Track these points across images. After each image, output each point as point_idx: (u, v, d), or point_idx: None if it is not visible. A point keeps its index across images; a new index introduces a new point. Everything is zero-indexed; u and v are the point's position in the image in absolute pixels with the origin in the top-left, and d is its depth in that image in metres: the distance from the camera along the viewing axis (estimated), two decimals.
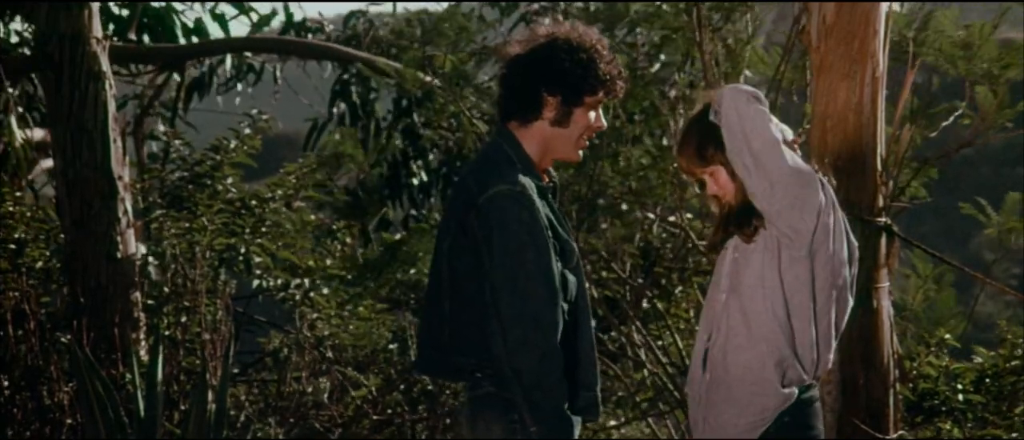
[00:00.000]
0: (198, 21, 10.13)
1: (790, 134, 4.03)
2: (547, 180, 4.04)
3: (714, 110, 3.94)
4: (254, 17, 10.77)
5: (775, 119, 3.97)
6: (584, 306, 4.00)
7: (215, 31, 10.35)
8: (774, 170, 3.87)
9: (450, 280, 3.96)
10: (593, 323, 4.06)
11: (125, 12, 9.67)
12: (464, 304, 3.93)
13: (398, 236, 8.72)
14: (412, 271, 7.67)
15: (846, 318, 4.10)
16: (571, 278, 3.96)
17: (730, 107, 3.90)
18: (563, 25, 4.04)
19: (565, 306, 3.91)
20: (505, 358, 3.83)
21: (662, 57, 8.11)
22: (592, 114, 4.03)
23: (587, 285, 4.14)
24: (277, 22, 11.28)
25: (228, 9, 25.51)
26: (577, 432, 3.92)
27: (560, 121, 4.00)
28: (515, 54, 4.03)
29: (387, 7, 31.81)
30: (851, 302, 4.09)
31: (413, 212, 11.02)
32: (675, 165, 7.26)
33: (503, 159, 3.96)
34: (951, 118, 6.59)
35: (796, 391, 3.99)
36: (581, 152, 4.08)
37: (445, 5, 10.34)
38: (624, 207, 7.94)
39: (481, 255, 3.87)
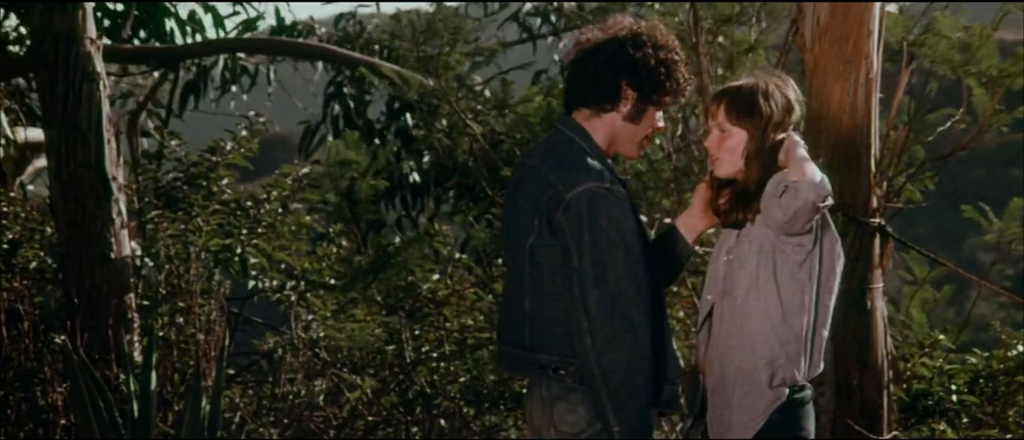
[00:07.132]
0: (192, 13, 10.09)
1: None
2: None
3: (785, 150, 3.93)
4: (245, 15, 10.75)
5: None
6: (662, 300, 3.97)
7: (207, 25, 10.29)
8: (792, 208, 3.89)
9: (532, 277, 3.90)
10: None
11: (119, 6, 9.64)
12: (547, 301, 3.88)
13: (398, 240, 8.67)
14: (410, 278, 7.64)
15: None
16: (654, 273, 3.93)
17: (800, 167, 3.87)
18: (642, 21, 3.98)
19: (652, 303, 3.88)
20: (593, 356, 3.79)
21: None
22: (658, 114, 4.00)
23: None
24: (263, 25, 11.24)
25: (222, 8, 25.48)
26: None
27: (633, 117, 3.96)
28: (595, 41, 3.97)
29: (375, 8, 31.80)
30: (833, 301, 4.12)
31: (404, 213, 10.99)
32: (672, 168, 7.27)
33: (578, 150, 3.91)
34: (948, 123, 6.59)
35: (786, 390, 4.01)
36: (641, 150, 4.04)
37: (433, 5, 10.33)
38: None
39: (569, 252, 3.82)
